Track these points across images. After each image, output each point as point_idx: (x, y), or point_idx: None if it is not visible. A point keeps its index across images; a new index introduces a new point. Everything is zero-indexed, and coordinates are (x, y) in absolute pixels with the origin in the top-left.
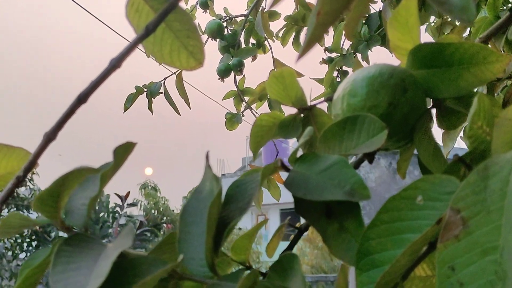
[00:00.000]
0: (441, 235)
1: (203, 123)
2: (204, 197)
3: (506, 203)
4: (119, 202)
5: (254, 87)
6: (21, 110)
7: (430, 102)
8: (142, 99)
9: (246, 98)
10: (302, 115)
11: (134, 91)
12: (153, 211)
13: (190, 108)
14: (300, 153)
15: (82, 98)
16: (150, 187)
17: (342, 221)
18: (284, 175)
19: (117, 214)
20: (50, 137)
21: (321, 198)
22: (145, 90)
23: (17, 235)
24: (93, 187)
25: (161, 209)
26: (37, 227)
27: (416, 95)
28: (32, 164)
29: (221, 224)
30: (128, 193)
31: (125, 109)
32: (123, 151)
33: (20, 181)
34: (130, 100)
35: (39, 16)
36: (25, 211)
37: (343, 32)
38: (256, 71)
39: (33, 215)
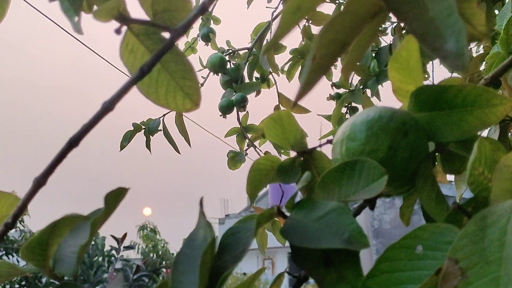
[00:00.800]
0: (439, 286)
1: (206, 161)
2: (197, 245)
3: (504, 253)
4: (115, 244)
5: (258, 123)
6: (11, 152)
7: (433, 146)
8: (141, 135)
9: (250, 135)
10: (301, 158)
11: (132, 128)
12: (151, 255)
13: (190, 146)
14: (298, 198)
15: (73, 142)
16: (149, 229)
17: (340, 270)
18: None
19: (113, 258)
20: (40, 182)
21: (319, 246)
22: (143, 127)
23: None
24: (83, 234)
25: (160, 253)
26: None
27: (417, 139)
28: (21, 211)
29: (214, 274)
30: (125, 235)
31: (122, 147)
32: (114, 198)
33: (8, 228)
34: (128, 138)
35: (30, 51)
36: (15, 254)
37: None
38: (260, 106)
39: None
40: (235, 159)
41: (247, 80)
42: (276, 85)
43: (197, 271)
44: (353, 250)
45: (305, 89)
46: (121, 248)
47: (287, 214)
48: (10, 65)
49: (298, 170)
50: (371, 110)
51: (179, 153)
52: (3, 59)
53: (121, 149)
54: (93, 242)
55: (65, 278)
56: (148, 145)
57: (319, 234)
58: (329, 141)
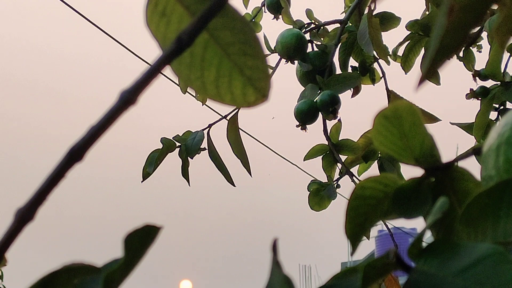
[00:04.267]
0: None
1: (272, 201)
2: None
3: None
4: None
5: (355, 139)
6: None
7: None
8: (173, 161)
9: (343, 158)
10: (432, 179)
11: (160, 146)
12: None
13: (251, 175)
14: (428, 240)
15: (75, 154)
16: None
17: None
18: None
19: None
20: (25, 216)
21: None
22: (178, 144)
23: None
24: None
25: None
26: None
27: None
28: None
29: None
30: None
31: (145, 175)
32: (140, 241)
33: None
34: (154, 162)
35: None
36: None
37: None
38: (359, 112)
39: None
40: (320, 194)
41: (338, 71)
42: (385, 79)
43: None
44: None
45: (436, 60)
46: None
47: (411, 264)
48: None
49: (427, 197)
50: None
51: (234, 185)
52: None
53: (143, 179)
54: None
55: None
56: (185, 173)
57: None
58: (476, 151)
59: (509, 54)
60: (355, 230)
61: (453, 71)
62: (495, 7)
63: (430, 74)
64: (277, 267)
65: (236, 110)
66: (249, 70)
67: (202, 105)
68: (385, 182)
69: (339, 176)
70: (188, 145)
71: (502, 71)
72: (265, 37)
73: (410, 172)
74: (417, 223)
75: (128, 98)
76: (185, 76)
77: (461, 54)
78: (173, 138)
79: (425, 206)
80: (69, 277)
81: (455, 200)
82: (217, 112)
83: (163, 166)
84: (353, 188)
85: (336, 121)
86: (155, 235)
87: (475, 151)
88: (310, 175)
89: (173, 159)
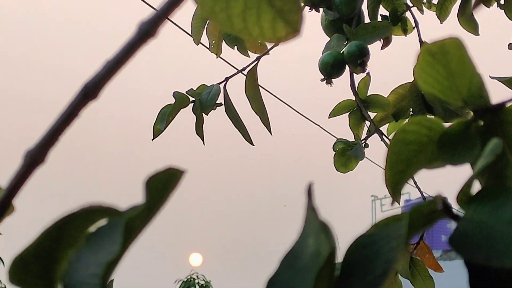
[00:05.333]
0: None
1: (294, 163)
2: (304, 265)
3: None
4: None
5: (385, 95)
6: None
7: None
8: (185, 118)
9: (372, 115)
10: (480, 122)
11: (172, 101)
12: None
13: (271, 133)
14: (477, 187)
15: (90, 91)
16: (198, 287)
17: None
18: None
19: None
20: (35, 157)
21: None
22: (192, 99)
23: None
24: (111, 243)
25: None
26: None
27: None
28: (3, 206)
29: None
30: None
31: (156, 133)
32: (162, 184)
33: None
34: (165, 118)
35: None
36: None
37: None
38: (390, 65)
39: None
40: (346, 153)
41: (367, 20)
42: (418, 29)
43: None
44: None
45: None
46: None
47: (459, 212)
48: None
49: (476, 142)
50: None
51: (252, 144)
52: None
53: (154, 136)
54: None
55: None
56: (199, 130)
57: None
58: None
59: None
60: (396, 178)
61: (494, 20)
62: None
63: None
64: (312, 213)
65: (255, 62)
66: (279, 1)
67: (217, 57)
68: (430, 126)
69: (367, 135)
70: (203, 100)
71: None
72: None
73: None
74: (451, 194)
75: (147, 30)
76: (208, 8)
77: (502, 1)
78: (186, 92)
79: (473, 151)
80: (86, 221)
81: (505, 145)
82: (233, 66)
83: (175, 123)
84: (395, 133)
85: (364, 74)
86: (178, 179)
87: None
88: (333, 135)
89: (186, 115)
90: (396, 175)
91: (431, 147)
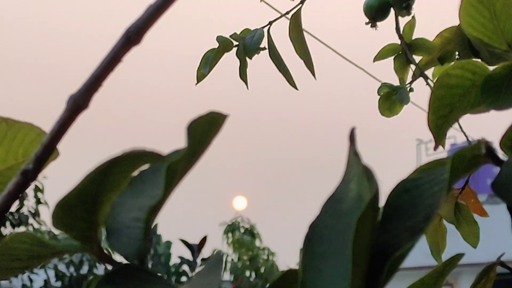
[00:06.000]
0: None
1: (337, 109)
2: (346, 209)
3: None
4: (188, 255)
5: (431, 39)
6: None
7: None
8: (230, 62)
9: (417, 58)
10: None
11: (216, 45)
12: (248, 273)
13: (315, 77)
14: None
15: (132, 35)
16: (242, 230)
17: None
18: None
19: (184, 277)
20: (78, 103)
21: None
22: (236, 43)
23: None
24: (153, 188)
25: (262, 270)
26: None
27: None
28: (48, 151)
29: (377, 256)
30: (204, 239)
31: (200, 77)
32: (205, 129)
33: (29, 179)
34: (209, 62)
35: None
36: None
37: None
38: (436, 8)
39: None
40: (391, 97)
41: None
42: None
43: (349, 252)
44: None
45: None
46: (198, 261)
47: (503, 157)
48: None
49: None
50: None
51: (296, 88)
52: None
53: (198, 81)
54: (152, 250)
55: (124, 261)
56: (243, 74)
57: None
58: None
59: None
60: (439, 122)
61: None
62: None
63: None
64: (355, 157)
65: (299, 6)
66: None
67: (260, 1)
68: (473, 69)
69: (412, 79)
70: (247, 44)
71: None
72: None
73: None
74: (494, 136)
75: None
76: None
77: None
78: (230, 36)
79: None
80: (129, 165)
81: None
82: (276, 10)
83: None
84: (438, 77)
85: (410, 18)
86: (220, 124)
87: None
88: (378, 79)
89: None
90: (440, 119)
91: (475, 91)
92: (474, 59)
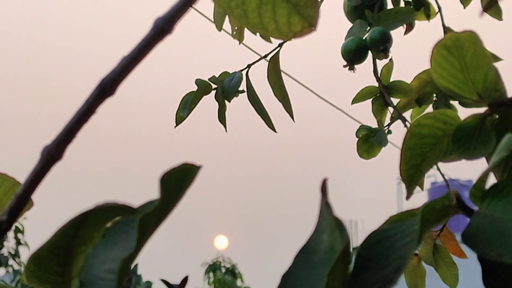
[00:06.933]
0: None
1: (318, 149)
2: (318, 260)
3: None
4: None
5: (408, 81)
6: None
7: None
8: (207, 106)
9: (395, 101)
10: (495, 116)
11: (194, 88)
12: None
13: (294, 120)
14: (491, 181)
15: (106, 88)
16: (223, 270)
17: None
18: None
19: None
20: (52, 154)
21: None
22: (214, 86)
23: None
24: (126, 239)
25: None
26: None
27: None
28: (22, 202)
29: None
30: (185, 279)
31: (179, 120)
32: (178, 181)
33: (2, 231)
34: (188, 105)
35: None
36: None
37: None
38: (413, 51)
39: None
40: (369, 140)
41: (390, 6)
42: (441, 14)
43: None
44: None
45: None
46: None
47: (473, 207)
48: None
49: (491, 135)
50: None
51: (275, 131)
52: None
53: (177, 124)
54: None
55: None
56: (222, 117)
57: None
58: None
59: None
60: (411, 172)
61: None
62: None
63: (491, 6)
64: (327, 209)
65: (278, 49)
66: None
67: (239, 44)
68: (445, 119)
69: (390, 121)
70: (225, 87)
71: None
72: None
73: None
74: (474, 175)
75: (164, 27)
76: (225, 4)
77: None
78: (208, 79)
79: (489, 145)
80: (102, 218)
81: None
82: (256, 52)
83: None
84: (409, 127)
85: (387, 60)
86: (194, 175)
87: None
88: (356, 120)
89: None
90: (411, 169)
91: (446, 140)
92: (444, 110)
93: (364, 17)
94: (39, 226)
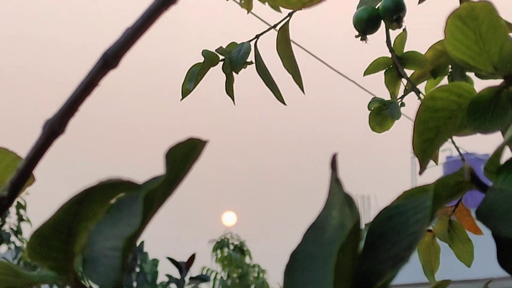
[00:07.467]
0: None
1: (328, 122)
2: (328, 238)
3: None
4: (175, 273)
5: (422, 52)
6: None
7: None
8: (215, 76)
9: (409, 73)
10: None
11: (201, 59)
12: None
13: (304, 92)
14: (507, 156)
15: (109, 60)
16: (231, 247)
17: None
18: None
19: None
20: (54, 128)
21: None
22: (222, 58)
23: None
24: (130, 217)
25: (252, 287)
26: None
27: None
28: (23, 177)
29: (360, 285)
30: (192, 257)
31: (185, 92)
32: (184, 156)
33: (4, 206)
34: (194, 77)
35: None
36: None
37: None
38: (427, 21)
39: None
40: (381, 112)
41: None
42: None
43: (329, 280)
44: None
45: None
46: (186, 280)
47: (488, 183)
48: None
49: (507, 108)
50: None
51: (284, 104)
52: None
53: (183, 96)
54: (137, 269)
55: None
56: (230, 89)
57: None
58: None
59: None
60: (424, 146)
61: None
62: None
63: None
64: (336, 185)
65: (287, 19)
66: None
67: (247, 13)
68: (459, 92)
69: (403, 93)
70: (233, 58)
71: None
72: None
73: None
74: (491, 148)
75: None
76: None
77: None
78: (215, 50)
79: (504, 118)
80: (106, 195)
81: None
82: (265, 22)
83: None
84: (422, 100)
85: (400, 30)
86: (200, 150)
87: None
88: (369, 92)
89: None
90: (425, 143)
91: (461, 114)
92: (458, 82)
93: None
94: (41, 201)
